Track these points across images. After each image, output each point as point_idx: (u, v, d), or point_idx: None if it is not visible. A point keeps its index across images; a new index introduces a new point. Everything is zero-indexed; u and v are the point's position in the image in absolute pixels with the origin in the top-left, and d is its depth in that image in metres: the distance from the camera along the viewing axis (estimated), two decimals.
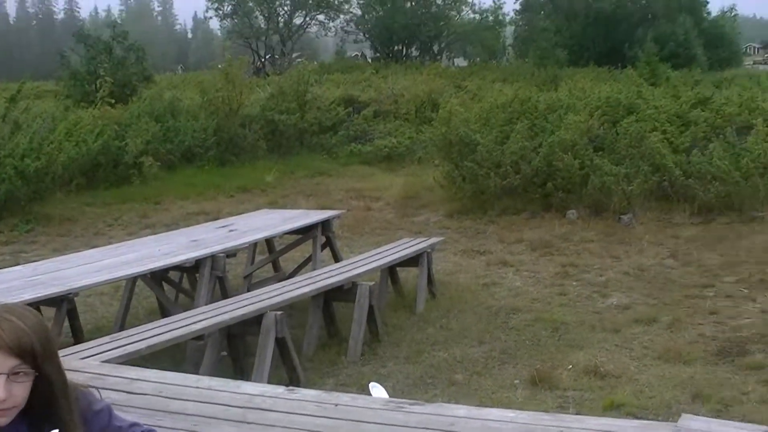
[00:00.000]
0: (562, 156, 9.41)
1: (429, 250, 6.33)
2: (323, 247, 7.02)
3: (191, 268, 5.71)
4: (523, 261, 7.55)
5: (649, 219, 8.77)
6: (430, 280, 6.34)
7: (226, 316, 4.43)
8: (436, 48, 51.51)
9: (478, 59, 52.29)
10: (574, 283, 6.70)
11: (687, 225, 8.50)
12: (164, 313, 5.62)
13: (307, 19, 47.20)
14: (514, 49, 58.97)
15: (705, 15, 72.98)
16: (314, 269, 6.37)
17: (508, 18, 56.74)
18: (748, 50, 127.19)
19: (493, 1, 53.51)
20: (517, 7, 61.12)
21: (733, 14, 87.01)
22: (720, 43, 73.80)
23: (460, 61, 55.40)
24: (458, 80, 23.59)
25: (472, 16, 52.59)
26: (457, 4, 51.75)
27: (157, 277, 5.67)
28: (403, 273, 6.48)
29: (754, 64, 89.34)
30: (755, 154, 9.00)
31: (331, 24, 48.16)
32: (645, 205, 8.99)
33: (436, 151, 11.28)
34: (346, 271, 5.58)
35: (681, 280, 6.64)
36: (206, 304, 5.10)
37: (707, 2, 73.13)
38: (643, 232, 8.30)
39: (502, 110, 11.43)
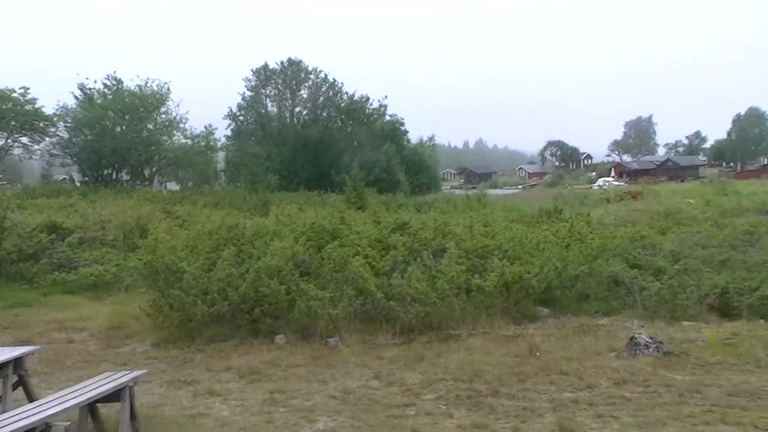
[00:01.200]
0: (269, 282, 11.30)
1: (131, 384, 7.13)
2: (15, 386, 7.48)
3: None
4: (231, 389, 8.73)
5: (355, 341, 10.76)
6: (133, 416, 7.11)
7: None
8: (147, 172, 57.03)
9: (190, 183, 60.69)
10: (282, 410, 7.97)
11: (390, 345, 10.61)
12: None
13: (9, 141, 50.38)
14: (226, 174, 69.51)
15: (406, 143, 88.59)
16: (4, 412, 6.71)
17: (219, 143, 66.16)
18: (446, 176, 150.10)
19: (205, 127, 60.88)
20: (229, 132, 75.04)
21: (431, 143, 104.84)
22: (420, 169, 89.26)
23: (173, 185, 63.02)
24: (169, 205, 26.28)
25: (184, 141, 59.17)
26: (169, 129, 58.12)
27: None
28: (105, 409, 7.21)
29: (451, 188, 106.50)
30: (449, 276, 11.60)
31: (36, 147, 52.05)
32: (351, 328, 11.09)
33: (142, 279, 12.74)
34: (39, 412, 5.98)
35: (384, 400, 8.26)
36: None
37: (407, 131, 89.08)
38: (349, 354, 10.12)
39: (209, 237, 13.40)
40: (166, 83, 57.41)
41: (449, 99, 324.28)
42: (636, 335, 9.77)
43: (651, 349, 9.37)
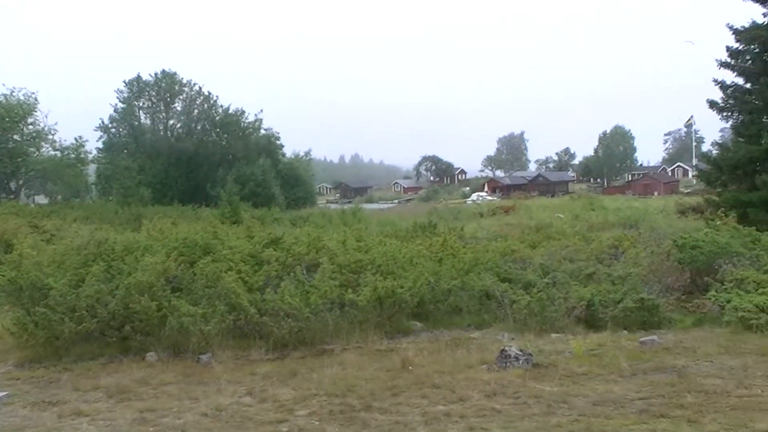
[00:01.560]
0: (139, 298, 11.17)
1: None
2: None
3: None
4: (99, 409, 8.54)
5: (228, 357, 10.74)
6: None
7: None
8: (13, 185, 56.78)
9: (60, 197, 59.89)
10: (152, 429, 7.87)
11: (263, 361, 10.64)
12: None
13: None
14: (97, 187, 69.20)
15: (281, 157, 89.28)
16: None
17: (90, 156, 65.97)
18: (322, 190, 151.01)
19: (75, 139, 60.93)
20: (100, 145, 75.13)
21: (307, 157, 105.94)
22: (296, 183, 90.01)
23: (41, 199, 62.77)
24: (36, 219, 25.42)
25: (53, 153, 58.97)
26: (37, 140, 57.98)
27: None
28: None
29: (327, 203, 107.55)
30: (322, 291, 11.76)
31: None
32: (223, 344, 11.06)
33: (6, 296, 12.42)
34: None
35: (257, 417, 8.30)
36: None
37: (283, 146, 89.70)
38: (222, 370, 10.08)
39: (77, 252, 13.08)
40: (33, 93, 56.18)
41: (325, 113, 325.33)
42: (506, 348, 10.16)
43: (521, 361, 9.78)
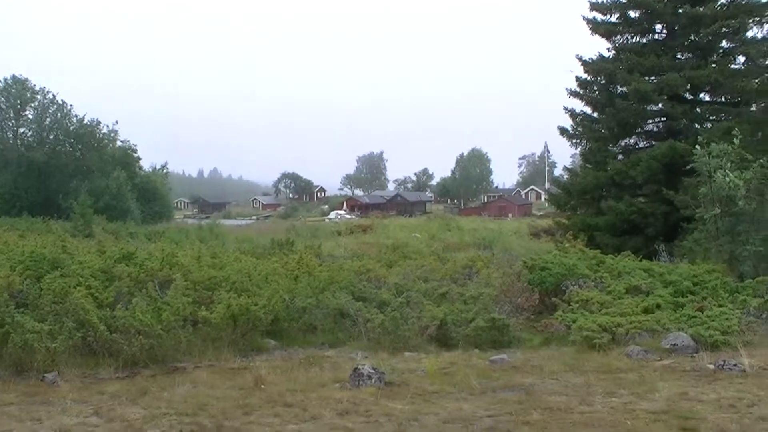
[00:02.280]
0: None
1: None
2: None
3: None
4: None
5: (75, 376, 10.31)
6: None
7: None
8: None
9: None
10: None
11: (113, 380, 10.28)
12: None
13: None
14: None
15: (138, 170, 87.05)
16: None
17: None
18: (179, 205, 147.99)
19: None
20: None
21: (165, 171, 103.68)
22: (153, 197, 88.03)
23: None
24: None
25: None
26: None
27: None
28: None
29: (184, 218, 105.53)
30: (175, 308, 11.54)
31: None
32: (71, 362, 10.61)
33: None
34: None
35: None
36: None
37: (140, 158, 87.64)
38: (68, 389, 9.65)
39: None
40: None
41: (184, 127, 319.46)
42: (360, 366, 10.26)
43: (374, 380, 9.89)
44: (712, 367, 10.85)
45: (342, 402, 9.03)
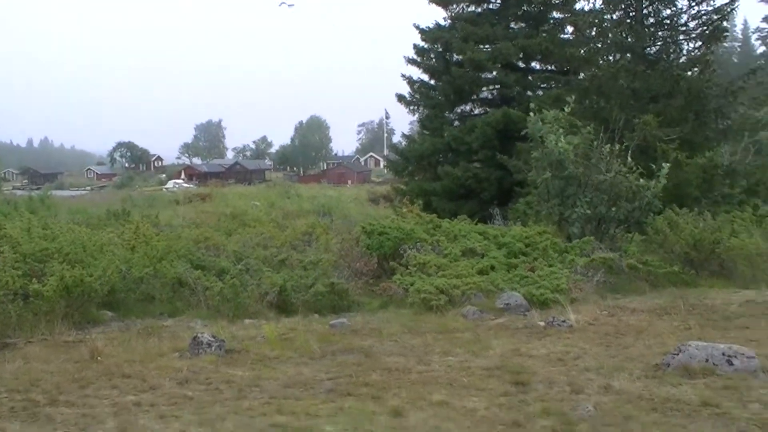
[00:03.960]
0: None
1: None
2: None
3: None
4: None
5: None
6: None
7: None
8: None
9: None
10: None
11: None
12: None
13: None
14: None
15: None
16: None
17: None
18: (7, 176, 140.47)
19: None
20: None
21: None
22: None
23: None
24: None
25: None
26: None
27: None
28: None
29: (13, 189, 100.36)
30: (4, 281, 10.99)
31: None
32: None
33: None
34: None
35: None
36: None
37: None
38: None
39: None
40: None
41: (9, 93, 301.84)
42: (199, 335, 10.13)
43: (213, 348, 9.80)
44: (542, 324, 11.42)
45: (181, 371, 8.92)
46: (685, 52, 28.54)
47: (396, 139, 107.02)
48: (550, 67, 36.82)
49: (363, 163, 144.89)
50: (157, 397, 7.96)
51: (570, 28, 35.40)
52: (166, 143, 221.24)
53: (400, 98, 37.45)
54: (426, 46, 37.01)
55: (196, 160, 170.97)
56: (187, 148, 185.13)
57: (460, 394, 7.74)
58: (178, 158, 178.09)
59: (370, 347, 10.11)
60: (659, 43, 28.44)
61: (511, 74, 34.50)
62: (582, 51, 31.29)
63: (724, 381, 7.89)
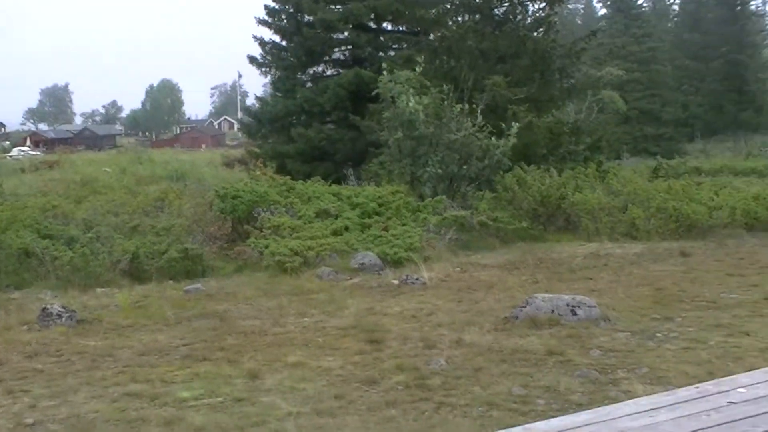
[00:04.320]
0: None
1: None
2: None
3: None
4: None
5: None
6: None
7: None
8: None
9: None
10: None
11: None
12: None
13: None
14: None
15: None
16: None
17: None
18: None
19: None
20: None
21: None
22: None
23: None
24: None
25: None
26: None
27: None
28: None
29: None
30: None
31: None
32: None
33: None
34: None
35: None
36: None
37: None
38: None
39: None
40: None
41: None
42: (48, 306, 9.86)
43: (64, 319, 9.55)
44: (396, 282, 11.73)
45: (30, 344, 8.68)
46: (530, 13, 29.31)
47: (250, 101, 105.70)
48: (401, 28, 37.07)
49: (217, 127, 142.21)
50: (5, 372, 7.73)
51: None
52: (9, 108, 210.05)
53: (252, 60, 36.90)
54: (277, 7, 36.54)
55: (43, 126, 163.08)
56: (33, 114, 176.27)
57: (315, 354, 7.89)
58: (23, 124, 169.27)
59: (225, 311, 10.12)
60: (506, 4, 29.10)
61: (363, 35, 34.55)
62: (432, 12, 31.70)
63: (569, 330, 8.38)
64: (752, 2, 75.72)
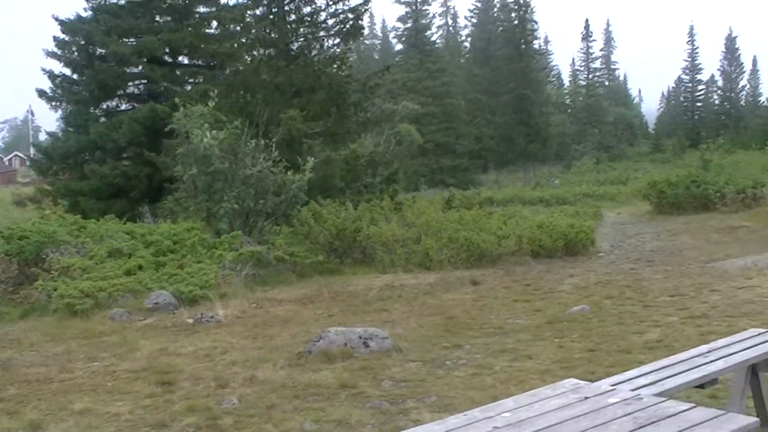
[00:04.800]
0: None
1: None
2: None
3: None
4: None
5: None
6: None
7: None
8: None
9: None
10: None
11: None
12: None
13: None
14: None
15: None
16: None
17: None
18: None
19: None
20: None
21: None
22: None
23: None
24: None
25: None
26: None
27: None
28: None
29: None
30: None
31: None
32: None
33: None
34: None
35: None
36: None
37: None
38: None
39: None
40: None
41: None
42: None
43: None
44: (191, 321, 11.63)
45: None
46: (325, 48, 29.91)
47: (43, 137, 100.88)
48: (197, 62, 36.77)
49: (8, 163, 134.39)
50: None
51: (215, 23, 35.61)
52: None
53: (41, 94, 35.34)
54: (67, 39, 35.29)
55: None
56: None
57: (104, 400, 7.70)
58: None
59: (8, 360, 9.68)
60: (301, 40, 29.61)
61: (158, 69, 33.95)
62: (227, 45, 31.69)
63: (361, 362, 8.63)
64: (535, 42, 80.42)
